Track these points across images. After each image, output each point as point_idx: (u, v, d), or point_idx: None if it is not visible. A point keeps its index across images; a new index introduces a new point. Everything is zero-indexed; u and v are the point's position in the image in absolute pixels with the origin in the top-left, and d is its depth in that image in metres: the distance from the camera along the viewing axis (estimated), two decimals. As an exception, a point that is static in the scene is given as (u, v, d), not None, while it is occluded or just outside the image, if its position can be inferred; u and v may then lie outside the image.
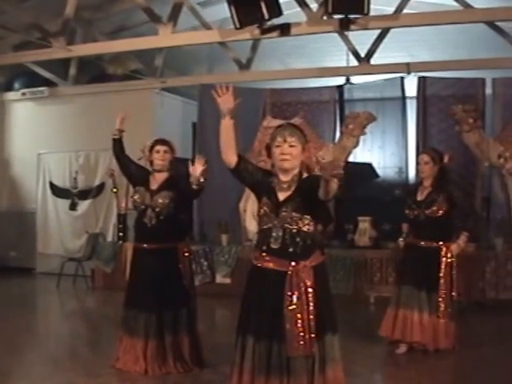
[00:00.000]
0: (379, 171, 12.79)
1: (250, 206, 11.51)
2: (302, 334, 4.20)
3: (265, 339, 4.26)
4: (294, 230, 4.28)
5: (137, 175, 6.55)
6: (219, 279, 11.41)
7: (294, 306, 4.22)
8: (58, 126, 14.39)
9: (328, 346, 4.30)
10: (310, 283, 4.26)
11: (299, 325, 4.20)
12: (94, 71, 14.60)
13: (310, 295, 4.25)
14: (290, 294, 4.24)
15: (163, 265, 6.36)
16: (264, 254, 4.35)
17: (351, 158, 11.97)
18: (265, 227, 4.37)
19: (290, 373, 4.21)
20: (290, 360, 4.21)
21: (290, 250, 4.28)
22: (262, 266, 4.36)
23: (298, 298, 4.23)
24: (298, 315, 4.21)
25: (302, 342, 4.19)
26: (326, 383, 4.26)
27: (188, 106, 14.44)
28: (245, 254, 10.63)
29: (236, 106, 4.47)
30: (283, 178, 4.41)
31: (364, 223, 11.33)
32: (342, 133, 11.74)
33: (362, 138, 11.51)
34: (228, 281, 11.28)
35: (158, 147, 6.45)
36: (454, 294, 6.98)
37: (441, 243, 7.01)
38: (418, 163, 7.36)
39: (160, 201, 6.31)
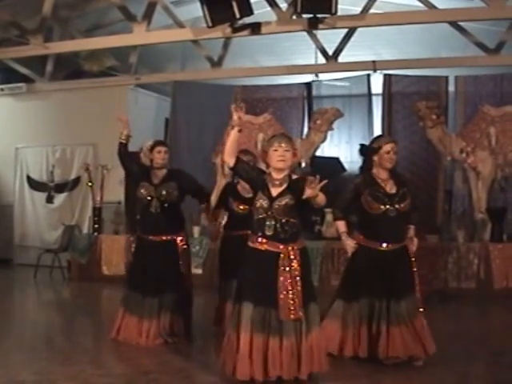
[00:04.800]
0: (346, 165, 13.02)
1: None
2: (292, 302, 5.16)
3: (260, 306, 5.19)
4: (284, 221, 5.26)
5: (139, 173, 7.22)
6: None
7: (285, 280, 5.19)
8: (35, 121, 14.52)
9: (311, 313, 5.30)
10: (297, 261, 5.25)
11: (290, 295, 5.17)
12: (70, 68, 14.69)
13: (297, 272, 5.22)
14: (282, 269, 5.21)
15: (165, 255, 7.07)
16: (259, 238, 5.30)
17: (319, 153, 12.32)
18: (260, 217, 5.31)
19: (282, 333, 5.17)
20: (283, 323, 5.17)
21: (281, 236, 5.25)
22: (258, 248, 5.32)
23: (289, 274, 5.21)
24: (289, 287, 5.18)
25: (292, 309, 5.16)
26: (312, 341, 5.24)
27: (161, 102, 14.61)
28: (216, 245, 10.67)
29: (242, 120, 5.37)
30: (276, 176, 5.37)
31: (331, 215, 11.43)
32: (310, 128, 12.10)
33: (329, 133, 11.90)
34: (200, 271, 11.40)
35: (159, 148, 7.16)
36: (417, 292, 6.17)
37: (404, 242, 6.21)
38: (387, 152, 6.20)
39: (164, 191, 7.05)
